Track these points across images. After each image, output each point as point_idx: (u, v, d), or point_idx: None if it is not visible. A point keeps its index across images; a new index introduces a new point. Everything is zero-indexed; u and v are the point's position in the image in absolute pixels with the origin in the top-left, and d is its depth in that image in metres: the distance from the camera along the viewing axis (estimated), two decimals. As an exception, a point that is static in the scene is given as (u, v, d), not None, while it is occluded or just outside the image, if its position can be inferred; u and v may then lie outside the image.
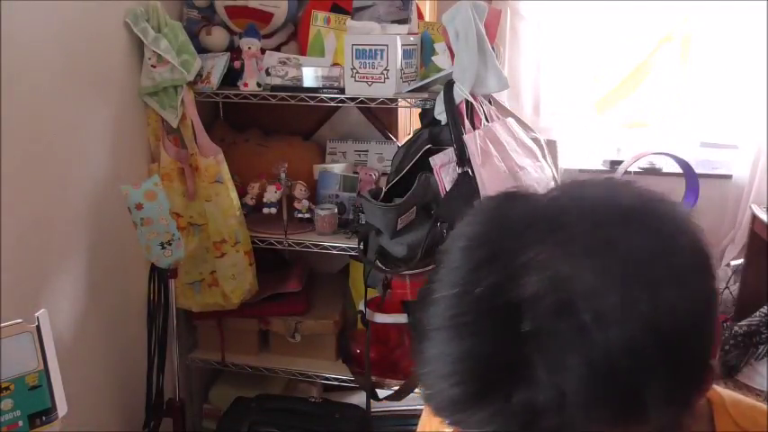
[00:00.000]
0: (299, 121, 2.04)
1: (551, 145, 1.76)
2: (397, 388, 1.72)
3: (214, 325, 1.94)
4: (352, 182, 1.82)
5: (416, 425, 0.80)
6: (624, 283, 0.43)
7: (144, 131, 1.72)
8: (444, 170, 1.49)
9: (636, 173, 2.64)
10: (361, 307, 1.69)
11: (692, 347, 0.45)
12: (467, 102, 1.50)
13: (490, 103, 1.64)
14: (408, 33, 1.65)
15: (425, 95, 1.61)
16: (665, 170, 2.69)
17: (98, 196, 1.53)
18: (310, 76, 1.67)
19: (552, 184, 1.60)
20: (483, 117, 1.53)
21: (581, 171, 2.68)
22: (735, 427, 0.60)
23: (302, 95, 1.67)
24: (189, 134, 1.70)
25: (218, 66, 1.72)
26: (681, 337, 0.44)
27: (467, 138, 1.46)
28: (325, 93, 1.66)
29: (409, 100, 1.63)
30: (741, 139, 2.59)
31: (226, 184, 1.71)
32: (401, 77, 1.61)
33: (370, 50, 1.58)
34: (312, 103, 1.68)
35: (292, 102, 1.69)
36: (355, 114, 2.00)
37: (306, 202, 1.80)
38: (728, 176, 2.64)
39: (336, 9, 1.78)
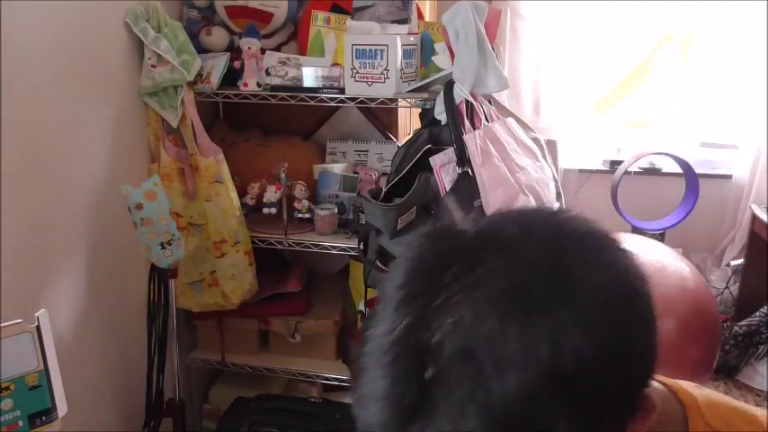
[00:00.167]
0: (299, 121, 2.04)
1: (551, 145, 1.76)
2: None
3: (214, 325, 1.94)
4: (352, 182, 1.82)
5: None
6: (525, 330, 0.42)
7: (144, 131, 1.72)
8: (444, 170, 1.49)
9: (636, 173, 2.64)
10: (361, 307, 1.69)
11: (602, 386, 0.44)
12: (467, 102, 1.50)
13: (490, 103, 1.64)
14: (408, 33, 1.65)
15: (425, 95, 1.61)
16: (665, 170, 2.69)
17: (98, 196, 1.53)
18: (310, 76, 1.67)
19: (552, 184, 1.61)
20: (483, 117, 1.53)
21: (581, 171, 2.69)
22: (707, 428, 0.60)
23: (302, 95, 1.67)
24: (189, 134, 1.70)
25: (218, 66, 1.72)
26: (587, 378, 0.43)
27: (467, 138, 1.46)
28: (325, 93, 1.66)
29: (409, 100, 1.63)
30: (741, 139, 2.59)
31: (226, 184, 1.71)
32: (401, 77, 1.61)
33: (370, 50, 1.58)
34: (312, 103, 1.68)
35: (292, 102, 1.69)
36: (355, 114, 2.00)
37: (306, 202, 1.80)
38: (728, 176, 2.64)
39: (336, 9, 1.78)
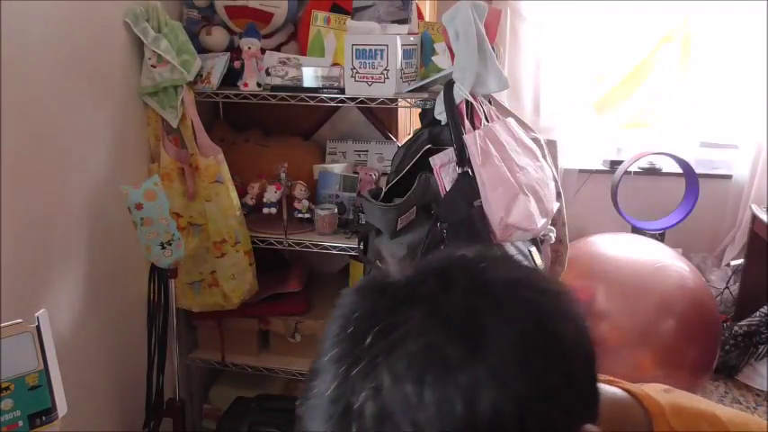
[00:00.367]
0: (299, 121, 2.04)
1: (551, 145, 1.76)
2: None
3: (214, 325, 1.94)
4: (352, 182, 1.83)
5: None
6: (440, 391, 0.43)
7: (144, 131, 1.72)
8: (444, 170, 1.49)
9: (636, 173, 2.64)
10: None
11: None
12: (467, 102, 1.50)
13: (490, 103, 1.64)
14: (408, 33, 1.65)
15: (425, 95, 1.61)
16: (665, 170, 2.69)
17: (98, 196, 1.53)
18: (310, 76, 1.67)
19: (552, 184, 1.61)
20: (483, 117, 1.53)
21: (581, 171, 2.69)
22: None
23: (302, 95, 1.67)
24: (189, 134, 1.70)
25: (218, 66, 1.72)
26: (507, 430, 0.44)
27: (467, 138, 1.46)
28: (325, 93, 1.66)
29: (409, 100, 1.63)
30: (741, 138, 2.59)
31: (226, 183, 1.71)
32: (401, 77, 1.61)
33: (370, 50, 1.58)
34: (312, 103, 1.68)
35: (292, 102, 1.69)
36: (355, 114, 2.00)
37: (306, 202, 1.80)
38: (728, 176, 2.64)
39: (336, 9, 1.78)
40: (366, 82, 1.61)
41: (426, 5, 2.02)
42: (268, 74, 1.70)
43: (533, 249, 1.60)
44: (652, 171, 2.69)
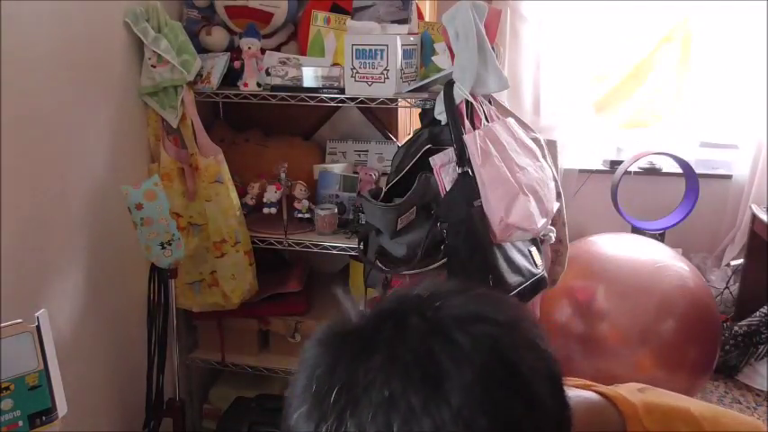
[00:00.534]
0: (299, 121, 2.04)
1: (551, 145, 1.76)
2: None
3: (214, 325, 1.94)
4: (352, 182, 1.83)
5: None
6: None
7: (144, 131, 1.72)
8: (444, 170, 1.49)
9: (636, 173, 2.64)
10: (362, 307, 1.69)
11: None
12: (467, 102, 1.50)
13: (490, 103, 1.64)
14: (408, 33, 1.65)
15: (425, 95, 1.61)
16: (665, 170, 2.69)
17: (98, 196, 1.53)
18: (310, 76, 1.67)
19: (552, 184, 1.61)
20: (483, 117, 1.53)
21: (581, 171, 2.69)
22: None
23: (302, 95, 1.67)
24: (189, 134, 1.70)
25: (218, 66, 1.72)
26: None
27: (467, 138, 1.46)
28: (325, 93, 1.66)
29: (409, 100, 1.63)
30: (741, 138, 2.59)
31: (226, 184, 1.71)
32: (401, 77, 1.61)
33: (370, 50, 1.58)
34: (312, 103, 1.68)
35: (292, 102, 1.69)
36: (355, 114, 2.00)
37: (306, 202, 1.80)
38: (728, 176, 2.64)
39: (336, 9, 1.78)
40: (366, 82, 1.61)
41: (426, 5, 2.02)
42: (268, 74, 1.70)
43: (533, 249, 1.61)
44: (652, 171, 2.69)
